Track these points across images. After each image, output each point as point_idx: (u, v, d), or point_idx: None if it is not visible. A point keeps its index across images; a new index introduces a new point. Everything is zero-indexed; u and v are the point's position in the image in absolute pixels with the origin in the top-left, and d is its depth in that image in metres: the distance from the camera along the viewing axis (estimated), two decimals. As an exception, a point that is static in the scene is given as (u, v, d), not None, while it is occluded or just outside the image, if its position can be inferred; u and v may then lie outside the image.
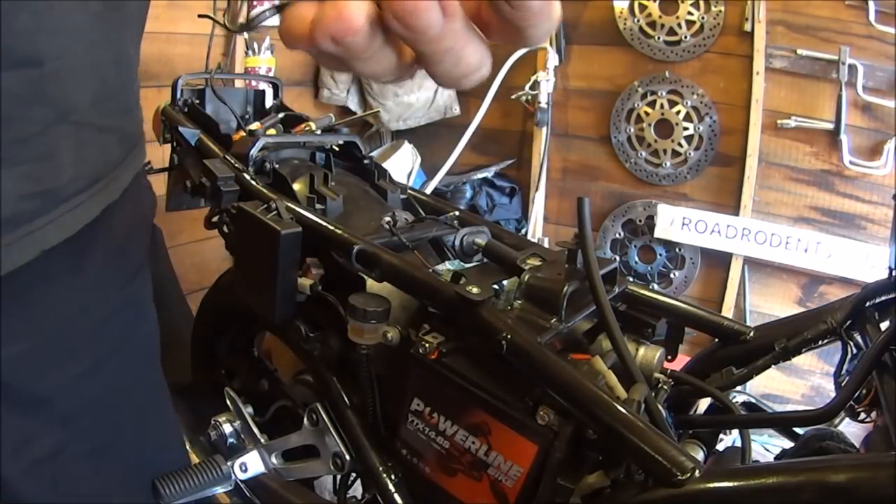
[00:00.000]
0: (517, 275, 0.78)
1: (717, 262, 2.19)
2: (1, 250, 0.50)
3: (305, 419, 0.91)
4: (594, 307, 0.72)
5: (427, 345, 0.72)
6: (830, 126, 1.94)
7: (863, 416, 0.72)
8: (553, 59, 2.24)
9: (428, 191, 2.25)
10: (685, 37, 2.10)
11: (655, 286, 2.26)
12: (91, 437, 0.63)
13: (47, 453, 0.59)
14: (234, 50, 1.97)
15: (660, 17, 2.13)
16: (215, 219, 0.96)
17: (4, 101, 0.47)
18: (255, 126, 1.10)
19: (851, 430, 0.75)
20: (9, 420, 0.55)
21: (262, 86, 1.47)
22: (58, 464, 0.60)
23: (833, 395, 0.71)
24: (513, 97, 2.25)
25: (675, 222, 2.19)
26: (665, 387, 0.76)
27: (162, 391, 0.80)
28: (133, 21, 0.61)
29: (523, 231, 2.39)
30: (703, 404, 0.87)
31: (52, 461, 0.59)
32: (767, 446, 1.54)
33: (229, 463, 0.91)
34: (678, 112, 2.15)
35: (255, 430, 0.97)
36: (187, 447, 1.15)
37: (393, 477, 0.83)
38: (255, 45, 1.99)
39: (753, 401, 0.89)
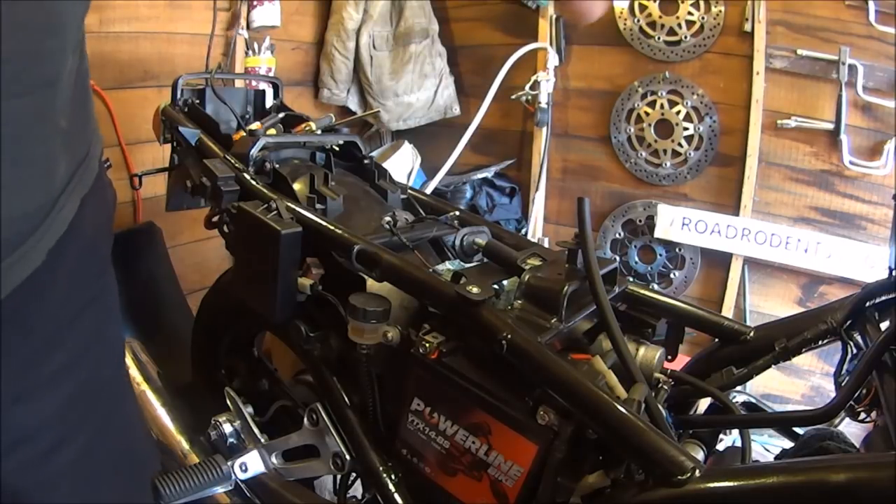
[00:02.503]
0: (517, 275, 0.78)
1: (717, 262, 2.19)
2: (1, 274, 0.48)
3: (305, 419, 0.91)
4: (594, 307, 0.72)
5: (427, 345, 0.72)
6: (830, 126, 1.94)
7: (863, 416, 0.72)
8: (553, 59, 2.24)
9: (428, 191, 2.25)
10: (685, 37, 2.10)
11: (655, 286, 2.26)
12: (83, 430, 0.62)
13: (46, 449, 0.58)
14: (235, 50, 1.97)
15: (660, 17, 2.13)
16: (215, 219, 0.96)
17: (15, 126, 0.45)
18: (255, 126, 1.10)
19: (851, 430, 0.75)
20: (7, 417, 0.54)
21: (263, 86, 1.47)
22: (57, 458, 0.59)
23: (833, 395, 0.71)
24: (513, 97, 2.25)
25: (675, 222, 2.19)
26: (665, 387, 0.76)
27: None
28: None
29: (523, 231, 2.39)
30: (703, 404, 0.87)
31: (50, 457, 0.59)
32: (767, 446, 1.54)
33: (229, 463, 0.91)
34: (678, 112, 2.15)
35: (256, 430, 0.97)
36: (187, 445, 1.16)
37: (393, 477, 0.83)
38: (256, 45, 1.99)
39: (753, 401, 0.89)
